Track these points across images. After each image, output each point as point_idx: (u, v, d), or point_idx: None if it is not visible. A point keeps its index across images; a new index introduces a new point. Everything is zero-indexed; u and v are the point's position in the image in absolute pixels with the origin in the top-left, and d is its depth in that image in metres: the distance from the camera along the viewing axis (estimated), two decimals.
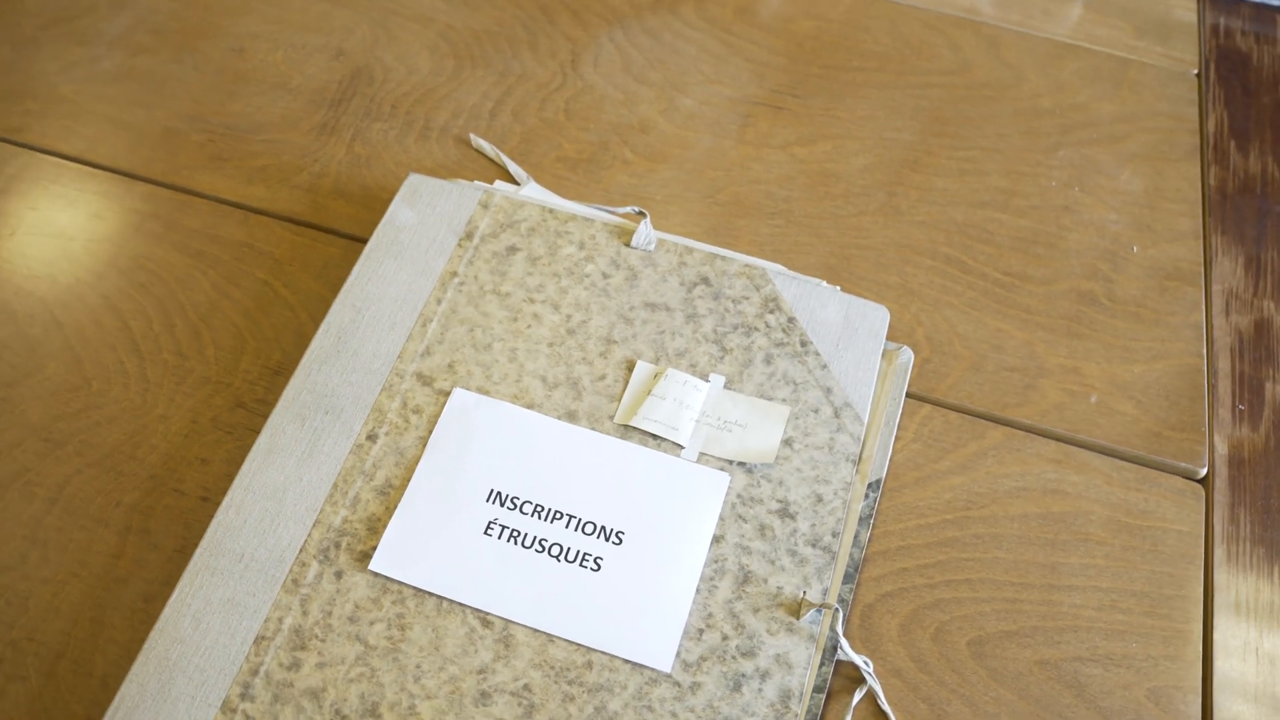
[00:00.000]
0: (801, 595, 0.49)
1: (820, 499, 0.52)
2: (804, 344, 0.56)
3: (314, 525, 0.50)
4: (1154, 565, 0.53)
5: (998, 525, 0.54)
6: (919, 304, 0.61)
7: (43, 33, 0.69)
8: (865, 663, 0.49)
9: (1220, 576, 0.53)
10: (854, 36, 0.73)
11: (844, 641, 0.48)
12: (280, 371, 0.57)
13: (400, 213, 0.59)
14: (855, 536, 0.52)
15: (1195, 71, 0.72)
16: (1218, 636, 0.51)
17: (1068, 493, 0.55)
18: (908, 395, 0.57)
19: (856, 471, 0.53)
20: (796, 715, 0.46)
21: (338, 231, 0.62)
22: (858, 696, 0.48)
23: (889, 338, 0.59)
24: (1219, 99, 0.71)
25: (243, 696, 0.46)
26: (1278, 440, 0.57)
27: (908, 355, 0.58)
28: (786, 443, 0.53)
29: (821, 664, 0.48)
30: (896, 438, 0.56)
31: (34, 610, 0.50)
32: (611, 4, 0.74)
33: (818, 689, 0.48)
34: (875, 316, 0.57)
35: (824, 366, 0.55)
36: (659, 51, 0.71)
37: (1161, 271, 0.63)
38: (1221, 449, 0.57)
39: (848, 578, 0.51)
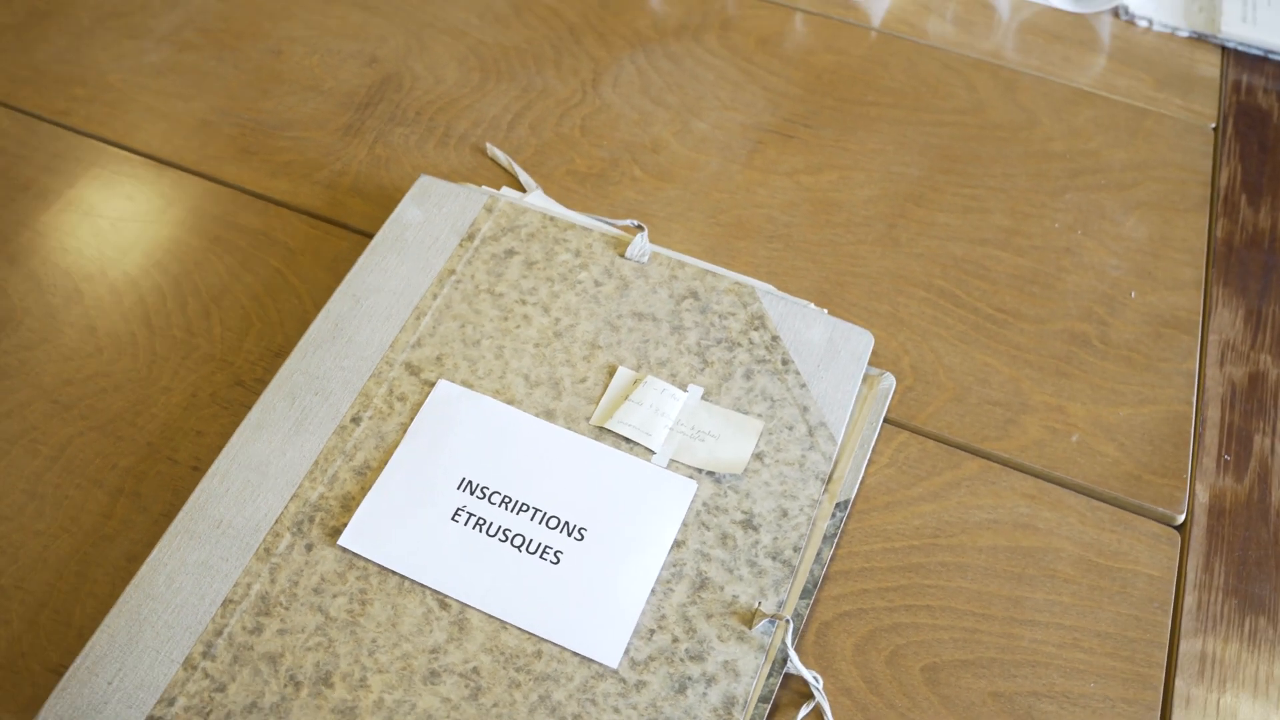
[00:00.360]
0: (756, 606, 0.49)
1: (785, 513, 0.52)
2: (785, 362, 0.57)
3: (291, 499, 0.52)
4: (1121, 607, 0.52)
5: (964, 555, 0.54)
6: (907, 333, 0.61)
7: (98, 25, 0.74)
8: (815, 679, 0.49)
9: (1188, 624, 0.52)
10: (872, 72, 0.74)
11: (794, 655, 0.49)
12: (281, 354, 0.59)
13: (408, 211, 0.62)
14: (818, 554, 0.52)
15: (1213, 125, 0.72)
16: (1179, 684, 0.50)
17: (1039, 528, 0.55)
18: (887, 421, 0.58)
19: (825, 490, 0.54)
20: None
21: (351, 227, 0.65)
22: (804, 711, 0.49)
23: (874, 364, 0.59)
24: (1234, 153, 0.71)
25: (205, 655, 0.48)
26: (1262, 493, 0.57)
27: (889, 381, 0.58)
28: (758, 456, 0.54)
29: (770, 675, 0.49)
30: (871, 461, 0.56)
31: (24, 560, 0.52)
32: (638, 28, 0.76)
33: (763, 699, 0.48)
34: (859, 341, 0.58)
35: (803, 385, 0.56)
36: (678, 76, 0.73)
37: (1158, 318, 0.62)
38: (1203, 497, 0.56)
39: (806, 593, 0.51)
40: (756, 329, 0.58)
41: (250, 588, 0.49)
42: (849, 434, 0.56)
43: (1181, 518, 0.55)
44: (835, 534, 0.53)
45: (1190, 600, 0.53)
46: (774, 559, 0.51)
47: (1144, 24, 0.78)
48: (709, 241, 0.64)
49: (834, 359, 0.57)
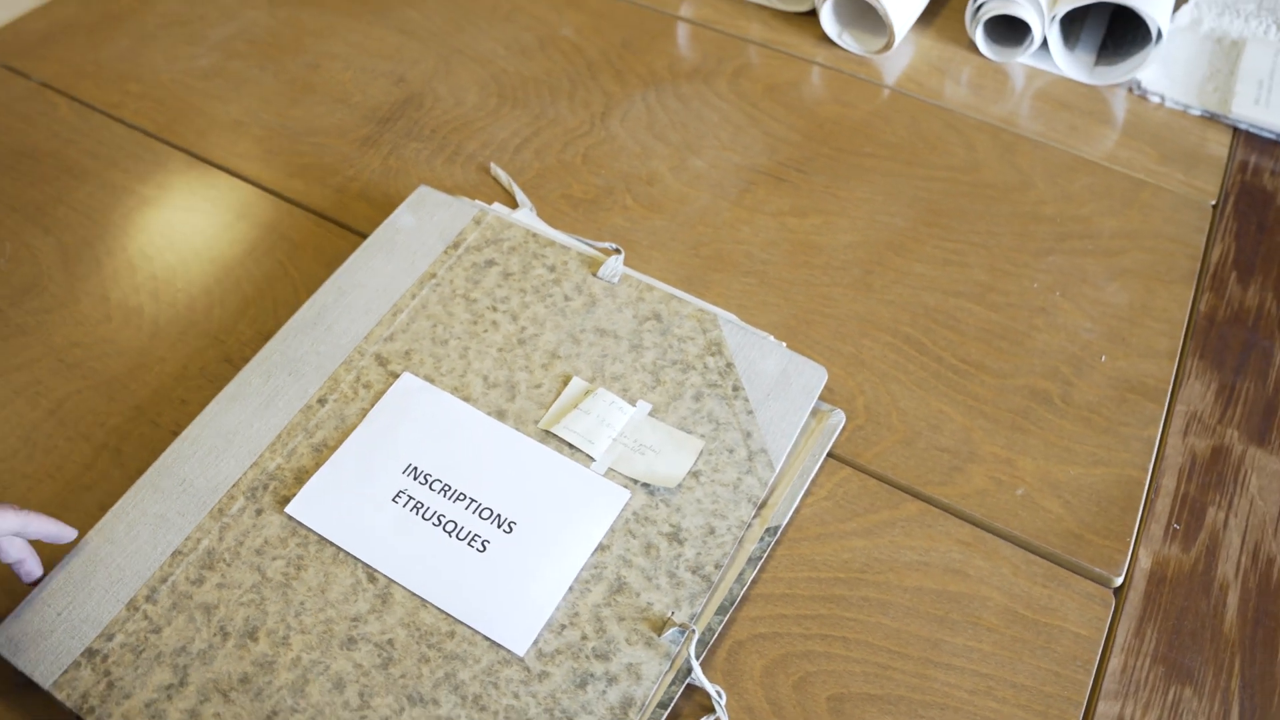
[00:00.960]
0: (669, 615, 0.51)
1: (713, 531, 0.54)
2: (736, 389, 0.58)
3: (251, 466, 0.55)
4: (1042, 661, 0.52)
5: (889, 593, 0.54)
6: (866, 374, 0.62)
7: (161, 30, 0.80)
8: (718, 693, 0.50)
9: (1110, 685, 0.52)
10: (874, 125, 0.76)
11: (698, 666, 0.50)
12: (270, 338, 0.63)
13: (402, 217, 0.66)
14: (740, 574, 0.54)
15: (1212, 202, 0.72)
16: None
17: (969, 575, 0.55)
18: (832, 456, 0.59)
19: (757, 515, 0.55)
20: None
21: (353, 229, 0.69)
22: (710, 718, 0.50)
23: (829, 401, 0.60)
24: (1230, 231, 0.70)
25: (148, 599, 0.51)
26: (1208, 565, 0.56)
27: (839, 417, 0.59)
28: (694, 475, 0.55)
29: (672, 683, 0.50)
30: (810, 492, 0.57)
31: (7, 498, 0.56)
32: (654, 69, 0.80)
33: (662, 704, 0.49)
34: (812, 375, 0.59)
35: (750, 412, 0.58)
36: (684, 115, 0.76)
37: (1125, 384, 0.62)
38: (1145, 563, 0.56)
39: (722, 609, 0.52)
40: (713, 354, 0.60)
41: (200, 543, 0.53)
42: (790, 463, 0.57)
43: (1119, 580, 0.55)
44: (761, 557, 0.54)
45: (1115, 663, 0.52)
46: (694, 573, 0.52)
47: (1156, 100, 0.78)
48: (686, 271, 0.67)
49: (785, 390, 0.58)
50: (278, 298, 0.65)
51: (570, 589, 0.51)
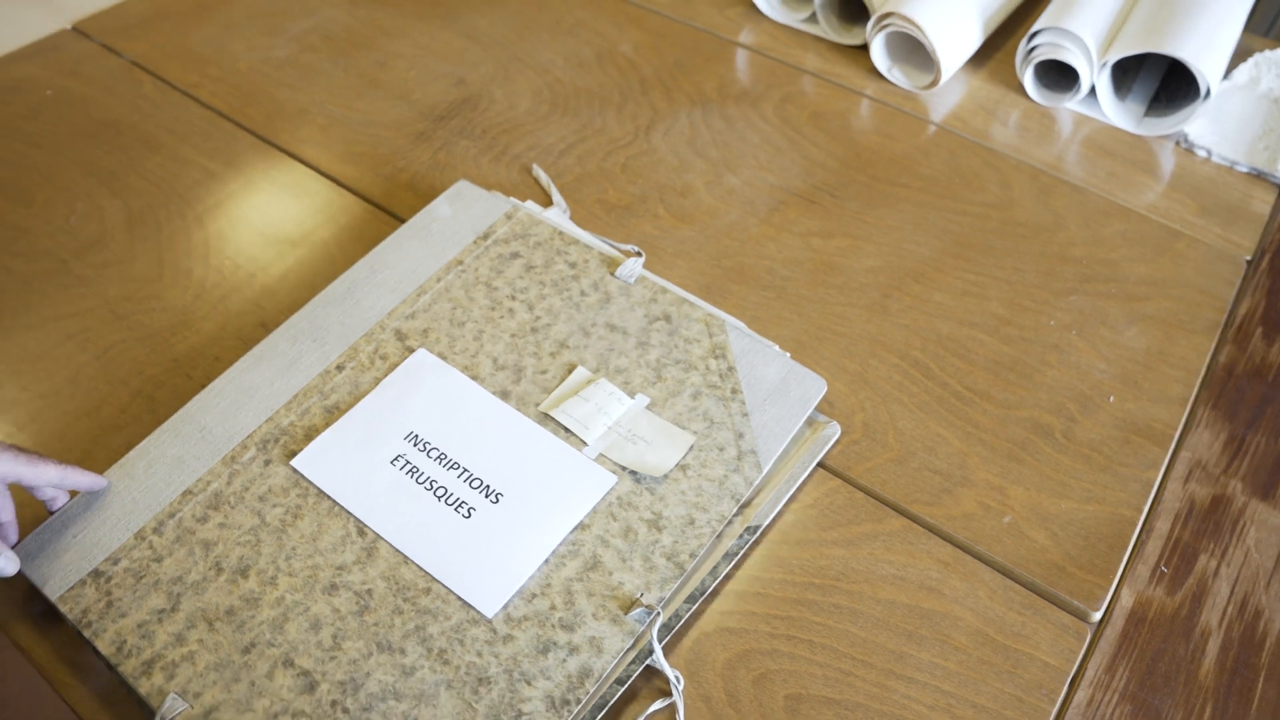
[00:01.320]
0: (638, 596, 0.52)
1: (693, 522, 0.55)
2: (734, 391, 0.60)
3: (266, 421, 0.59)
4: (1006, 685, 0.52)
5: (861, 603, 0.55)
6: (869, 392, 0.63)
7: (246, 21, 0.86)
8: (677, 678, 0.51)
9: (1073, 717, 0.51)
10: (913, 158, 0.77)
11: (659, 649, 0.51)
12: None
13: (440, 207, 0.69)
14: (715, 567, 0.55)
15: (1248, 258, 0.71)
16: None
17: (944, 594, 0.55)
18: (823, 467, 0.60)
19: (739, 514, 0.56)
20: (587, 693, 0.49)
21: (396, 215, 0.73)
22: (658, 705, 0.51)
23: (829, 415, 0.61)
24: (1262, 287, 0.69)
25: (155, 530, 0.54)
26: (1191, 611, 0.55)
27: (834, 430, 0.60)
28: (682, 468, 0.57)
29: (632, 661, 0.51)
30: (795, 499, 0.58)
31: (47, 431, 0.61)
32: (704, 89, 0.82)
33: (620, 680, 0.50)
34: (811, 385, 0.60)
35: (745, 414, 0.59)
36: (726, 134, 0.79)
37: (1131, 426, 0.62)
38: (1126, 601, 0.55)
39: (691, 599, 0.54)
40: (716, 357, 0.61)
41: (209, 485, 0.56)
42: (779, 468, 0.58)
43: (1098, 615, 0.55)
44: (737, 554, 0.55)
45: (1081, 695, 0.52)
46: (669, 559, 0.54)
47: (1203, 154, 0.78)
48: (706, 280, 0.69)
49: (783, 397, 0.60)
50: (317, 272, 0.69)
51: (546, 561, 0.53)
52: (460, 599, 0.52)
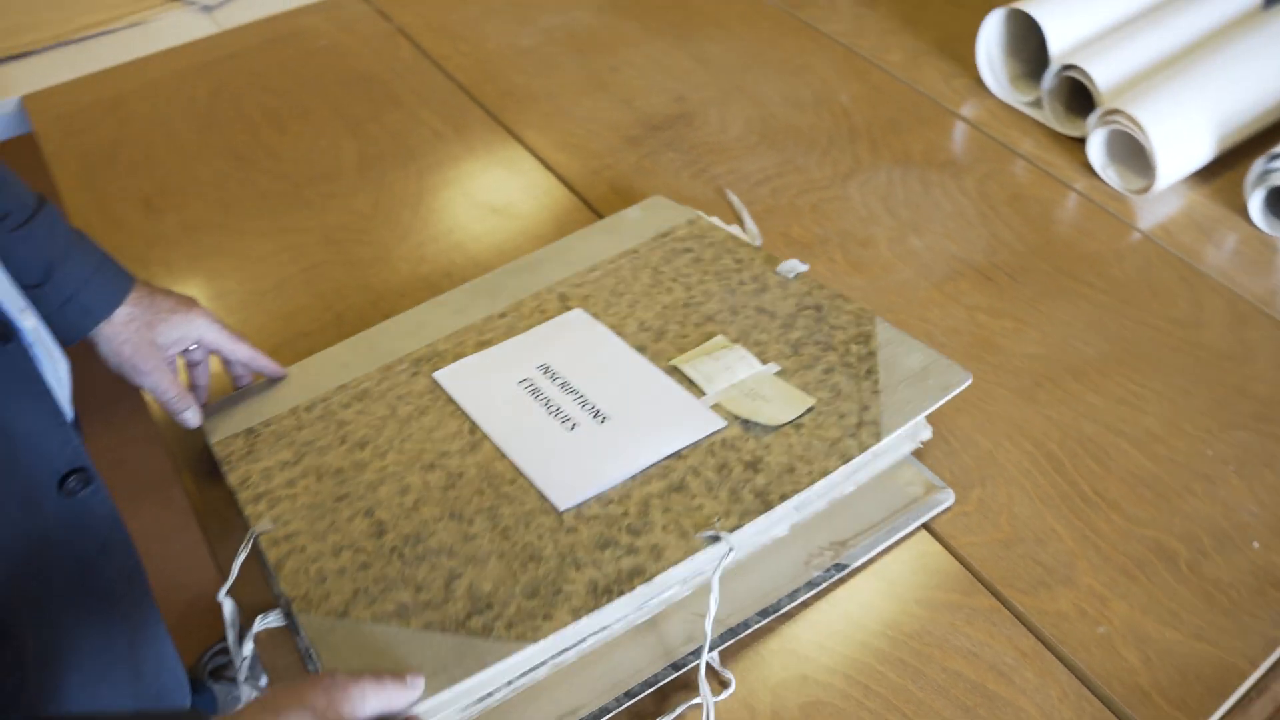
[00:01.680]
0: (714, 520, 0.54)
1: (792, 470, 0.56)
2: (870, 372, 0.61)
3: (425, 346, 0.66)
4: None
5: (927, 665, 0.54)
6: (993, 471, 0.63)
7: (503, 8, 0.94)
8: (729, 678, 0.53)
9: None
10: (1104, 257, 0.76)
11: (716, 585, 0.52)
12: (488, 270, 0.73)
13: (632, 212, 0.74)
14: (794, 591, 0.56)
15: None
16: None
17: (1013, 682, 0.54)
18: (928, 529, 0.60)
19: (833, 549, 0.57)
20: (631, 588, 0.51)
21: (593, 206, 0.78)
22: (694, 701, 0.52)
23: (948, 482, 0.61)
24: None
25: (307, 409, 0.63)
26: None
27: (947, 496, 0.60)
28: (796, 425, 0.58)
29: (689, 654, 0.53)
30: (891, 552, 0.59)
31: (249, 324, 0.69)
32: (910, 151, 0.84)
33: (675, 665, 0.53)
34: (954, 375, 0.60)
35: (875, 391, 0.60)
36: (920, 197, 0.80)
37: (1271, 578, 0.59)
38: None
39: (764, 612, 0.55)
40: (859, 343, 0.63)
41: (361, 385, 0.64)
42: (881, 519, 0.59)
43: None
44: (821, 584, 0.56)
45: None
46: (757, 495, 0.55)
47: None
48: None
49: (921, 381, 0.60)
50: (508, 240, 0.75)
51: (633, 476, 0.56)
52: (539, 492, 0.56)
